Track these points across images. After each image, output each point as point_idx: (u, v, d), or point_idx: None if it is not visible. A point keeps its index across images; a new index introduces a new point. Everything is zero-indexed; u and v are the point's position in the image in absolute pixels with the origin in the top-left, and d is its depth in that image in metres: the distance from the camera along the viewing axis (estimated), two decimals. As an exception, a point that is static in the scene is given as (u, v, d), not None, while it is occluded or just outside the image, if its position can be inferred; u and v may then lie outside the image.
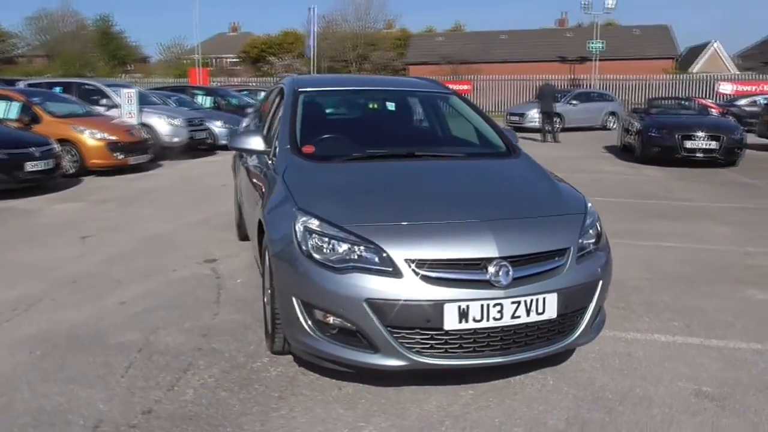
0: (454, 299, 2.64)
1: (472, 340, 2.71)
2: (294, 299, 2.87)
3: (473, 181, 3.44)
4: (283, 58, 43.53)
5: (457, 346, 2.70)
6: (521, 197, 3.24)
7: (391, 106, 4.58)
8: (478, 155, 3.85)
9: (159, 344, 3.55)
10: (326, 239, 2.83)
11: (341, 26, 44.76)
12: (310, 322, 2.83)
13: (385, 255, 2.70)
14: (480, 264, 2.70)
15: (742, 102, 21.65)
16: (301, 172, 3.41)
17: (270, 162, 3.78)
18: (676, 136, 11.72)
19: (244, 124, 6.61)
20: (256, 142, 3.92)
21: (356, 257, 2.74)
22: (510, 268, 2.70)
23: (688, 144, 11.70)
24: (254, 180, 4.15)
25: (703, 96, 25.77)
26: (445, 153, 3.81)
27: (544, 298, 2.74)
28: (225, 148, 14.09)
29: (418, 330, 2.67)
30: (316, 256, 2.81)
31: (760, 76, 29.81)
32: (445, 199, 3.15)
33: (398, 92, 4.73)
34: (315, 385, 3.05)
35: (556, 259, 2.84)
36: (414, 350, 2.69)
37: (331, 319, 2.78)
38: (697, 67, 37.92)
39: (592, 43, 30.67)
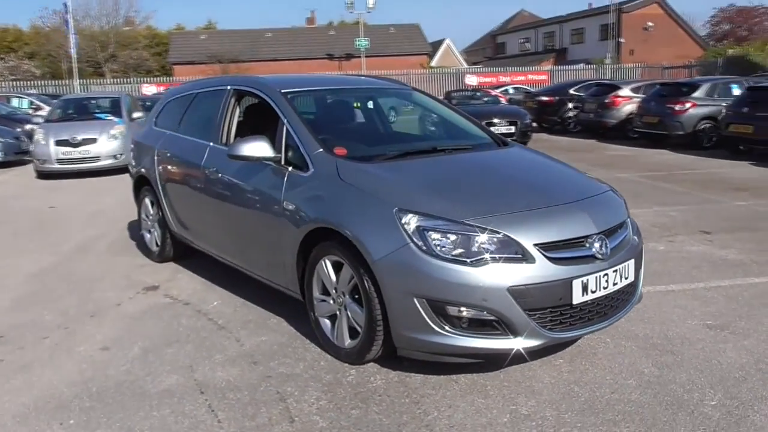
0: (578, 275, 2.90)
1: (587, 311, 3.00)
2: (416, 300, 2.85)
3: (518, 169, 3.70)
4: (6, 59, 37.69)
5: (577, 318, 2.97)
6: (568, 180, 3.58)
7: (381, 103, 4.59)
8: (486, 146, 4.08)
9: (216, 382, 3.16)
10: (448, 235, 2.86)
11: (80, 23, 40.29)
12: (437, 320, 2.84)
13: (515, 243, 2.84)
14: (584, 241, 2.99)
15: (497, 91, 24.97)
16: (360, 174, 3.32)
17: (289, 170, 3.56)
18: (482, 123, 13.22)
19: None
20: (263, 149, 3.64)
21: (489, 249, 2.83)
22: (606, 241, 3.06)
23: (492, 129, 13.28)
24: (253, 194, 3.83)
25: (453, 87, 29.05)
26: (458, 146, 3.98)
27: (627, 265, 3.15)
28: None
29: (550, 309, 2.88)
30: (443, 253, 2.83)
31: (495, 69, 34.64)
32: (517, 186, 3.37)
33: (380, 90, 4.75)
34: (430, 383, 3.05)
35: (623, 229, 3.27)
36: (547, 328, 2.89)
37: (465, 313, 2.83)
38: (434, 62, 42.34)
39: (359, 40, 32.44)
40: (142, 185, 5.45)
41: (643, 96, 14.52)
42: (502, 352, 2.88)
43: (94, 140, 10.86)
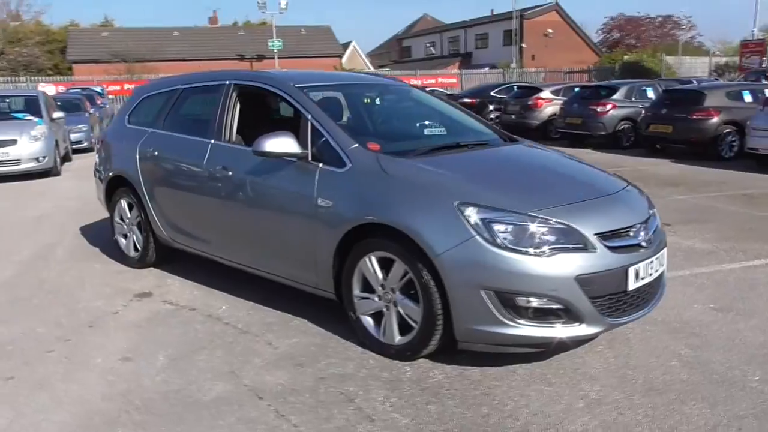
0: (631, 263, 3.03)
1: (636, 297, 3.14)
2: (483, 292, 2.87)
3: (547, 163, 3.79)
4: None
5: (628, 304, 3.10)
6: (597, 174, 3.70)
7: (391, 99, 4.55)
8: (499, 141, 4.14)
9: (269, 386, 3.02)
10: (514, 227, 2.90)
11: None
12: (505, 311, 2.87)
13: (577, 233, 2.93)
14: (629, 230, 3.14)
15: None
16: (407, 169, 3.29)
17: (320, 166, 3.47)
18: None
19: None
20: (289, 145, 3.52)
21: (554, 240, 2.89)
22: (649, 230, 3.22)
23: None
24: (274, 193, 3.69)
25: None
26: (476, 141, 4.02)
27: (663, 253, 3.33)
28: None
29: (608, 296, 2.99)
30: (511, 244, 2.86)
31: (406, 71, 35.19)
32: (558, 179, 3.46)
33: (384, 86, 4.71)
34: (490, 375, 3.07)
35: (653, 219, 3.45)
36: (606, 314, 2.99)
37: (533, 303, 2.88)
38: (342, 63, 42.41)
39: (272, 41, 31.91)
40: (116, 187, 5.08)
41: (564, 98, 15.31)
42: (566, 340, 2.96)
43: (13, 142, 9.98)
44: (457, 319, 2.96)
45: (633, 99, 13.75)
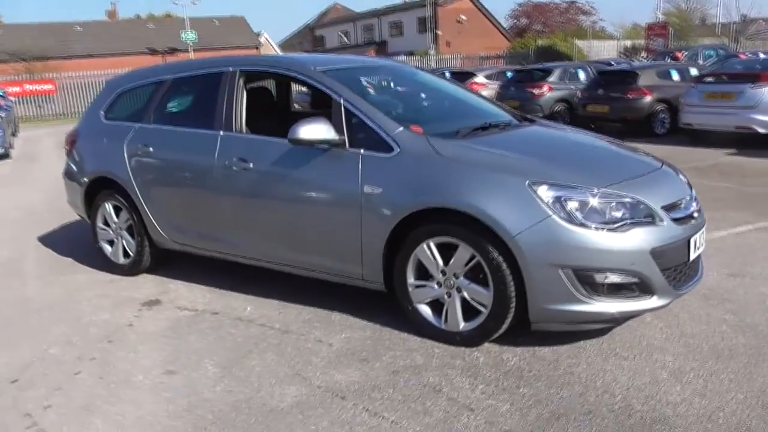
0: (691, 234, 3.10)
1: (690, 268, 3.21)
2: (561, 271, 2.84)
3: (584, 141, 3.78)
4: None
5: (686, 275, 3.17)
6: (632, 151, 3.74)
7: (403, 81, 4.40)
8: (521, 121, 4.11)
9: (344, 385, 2.86)
10: (588, 204, 2.88)
11: None
12: (582, 288, 2.86)
13: (646, 207, 2.95)
14: (681, 202, 3.20)
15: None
16: (464, 150, 3.20)
17: (362, 152, 3.32)
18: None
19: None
20: (324, 131, 3.35)
21: (628, 214, 2.90)
22: (695, 201, 3.30)
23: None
24: (309, 184, 3.49)
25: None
26: (503, 122, 3.96)
27: (705, 228, 3.43)
28: None
29: (675, 267, 3.04)
30: (587, 221, 2.85)
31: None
32: (605, 156, 3.48)
33: (396, 69, 4.56)
34: (563, 354, 3.06)
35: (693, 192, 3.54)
36: (673, 285, 3.04)
37: (610, 279, 2.88)
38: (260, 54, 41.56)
39: (186, 33, 30.64)
40: (97, 189, 4.66)
41: (498, 82, 15.65)
42: (639, 313, 2.99)
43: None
44: (532, 300, 2.91)
45: (566, 81, 14.25)
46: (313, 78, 3.67)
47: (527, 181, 2.92)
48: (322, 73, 3.67)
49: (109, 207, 4.62)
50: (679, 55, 21.68)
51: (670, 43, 26.93)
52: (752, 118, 9.66)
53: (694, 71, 12.51)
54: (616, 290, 2.91)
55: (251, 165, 3.70)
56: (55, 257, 5.30)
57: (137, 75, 4.83)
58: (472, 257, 3.03)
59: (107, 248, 4.73)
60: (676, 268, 3.05)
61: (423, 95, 4.43)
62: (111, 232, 4.67)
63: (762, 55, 14.85)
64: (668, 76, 12.23)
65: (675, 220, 3.03)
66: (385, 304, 3.64)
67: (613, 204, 2.91)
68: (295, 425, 2.55)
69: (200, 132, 4.04)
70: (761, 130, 9.57)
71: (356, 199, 3.29)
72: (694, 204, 3.24)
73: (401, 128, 3.31)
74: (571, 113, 13.51)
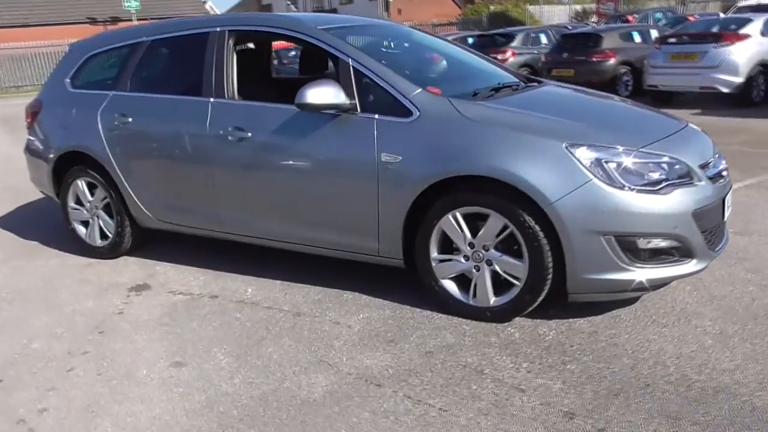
0: (723, 194, 2.98)
1: (721, 229, 3.09)
2: (603, 238, 2.68)
3: (605, 102, 3.57)
4: None
5: (717, 236, 3.05)
6: (652, 111, 3.57)
7: (402, 41, 4.10)
8: (528, 82, 3.89)
9: (376, 370, 2.64)
10: (629, 165, 2.71)
11: None
12: (625, 255, 2.71)
13: (685, 167, 2.80)
14: (711, 161, 3.07)
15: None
16: (492, 112, 2.98)
17: (376, 117, 3.05)
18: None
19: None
20: (334, 94, 3.07)
21: (669, 175, 2.74)
22: (723, 161, 3.18)
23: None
24: (317, 153, 3.20)
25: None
26: (512, 83, 3.73)
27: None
28: None
29: (712, 228, 2.92)
30: (630, 184, 2.68)
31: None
32: (632, 116, 3.30)
33: (392, 28, 4.25)
34: (600, 325, 2.91)
35: None
36: (710, 248, 2.92)
37: (653, 244, 2.73)
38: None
39: (128, 1, 29.07)
40: (67, 165, 4.24)
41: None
42: (679, 278, 2.86)
43: None
44: (571, 271, 2.74)
45: (529, 46, 14.14)
46: (315, 37, 3.35)
47: (564, 144, 2.72)
48: (325, 32, 3.35)
49: (82, 184, 4.21)
50: (630, 18, 21.85)
51: (620, 7, 27.16)
52: (715, 77, 9.75)
53: (654, 33, 12.57)
54: (656, 256, 2.77)
55: (249, 134, 3.37)
56: (18, 241, 4.85)
57: (108, 38, 4.37)
58: (504, 228, 2.83)
59: (81, 230, 4.32)
60: (713, 229, 2.93)
61: (427, 56, 4.15)
62: (85, 211, 4.27)
63: (722, 15, 15.04)
64: (630, 38, 12.26)
65: (711, 179, 2.90)
66: (398, 280, 3.43)
67: (653, 165, 2.75)
68: (333, 419, 2.32)
69: (187, 99, 3.68)
70: (724, 90, 9.69)
71: (372, 169, 3.03)
72: (722, 162, 3.11)
73: (419, 90, 3.06)
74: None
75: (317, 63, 4.31)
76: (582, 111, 3.25)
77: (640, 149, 2.76)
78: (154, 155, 3.80)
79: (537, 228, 2.74)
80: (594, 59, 11.71)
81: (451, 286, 3.05)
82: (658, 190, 2.70)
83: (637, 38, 12.35)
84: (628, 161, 2.71)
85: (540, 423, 2.22)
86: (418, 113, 2.99)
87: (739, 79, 9.66)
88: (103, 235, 4.24)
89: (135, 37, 4.07)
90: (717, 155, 3.12)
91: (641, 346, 2.70)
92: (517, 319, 2.98)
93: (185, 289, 3.66)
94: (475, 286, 2.98)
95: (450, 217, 2.93)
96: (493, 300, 2.95)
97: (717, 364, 2.52)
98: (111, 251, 4.23)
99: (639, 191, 2.67)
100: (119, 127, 3.89)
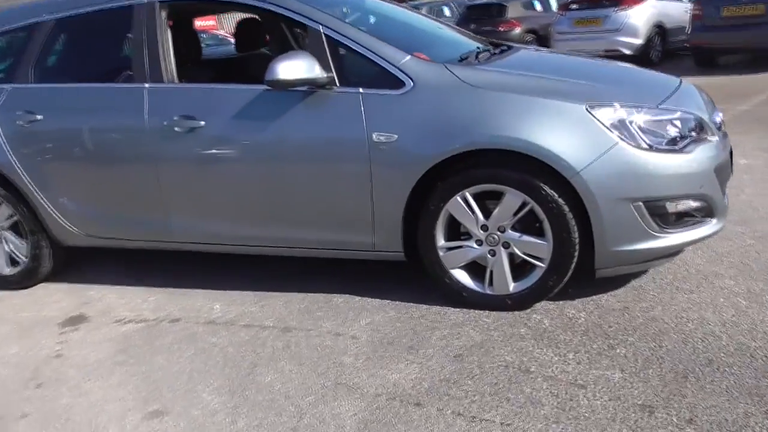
0: (730, 147, 2.84)
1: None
2: (632, 205, 2.43)
3: (596, 62, 3.31)
4: None
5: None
6: (642, 68, 3.36)
7: (359, 7, 3.62)
8: (502, 47, 3.57)
9: (406, 386, 2.26)
10: (652, 124, 2.47)
11: None
12: (654, 222, 2.48)
13: (701, 122, 2.60)
14: (713, 114, 2.92)
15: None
16: (497, 76, 2.64)
17: (361, 91, 2.63)
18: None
19: None
20: (309, 67, 2.61)
21: (689, 132, 2.53)
22: (720, 113, 3.04)
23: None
24: (293, 139, 2.72)
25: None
26: (488, 49, 3.38)
27: None
28: None
29: (724, 183, 2.76)
30: (656, 144, 2.45)
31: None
32: (629, 75, 3.04)
33: None
34: (631, 299, 2.69)
35: None
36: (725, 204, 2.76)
37: (681, 206, 2.53)
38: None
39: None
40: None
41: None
42: (704, 239, 2.67)
43: None
44: (600, 244, 2.48)
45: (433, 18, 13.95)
46: (277, 3, 2.83)
47: (585, 105, 2.44)
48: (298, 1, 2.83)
49: (-22, 203, 3.44)
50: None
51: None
52: (618, 40, 10.06)
53: (553, 1, 12.81)
54: (681, 219, 2.56)
55: (202, 123, 2.83)
56: None
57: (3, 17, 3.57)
58: (523, 205, 2.51)
59: (-16, 258, 3.55)
60: (724, 184, 2.77)
61: (389, 23, 3.72)
62: (-14, 236, 3.51)
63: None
64: (532, 6, 12.42)
65: (720, 133, 2.73)
66: (390, 275, 3.05)
67: (673, 122, 2.53)
68: (385, 453, 1.92)
69: (114, 87, 3.06)
70: (627, 51, 10.00)
71: (363, 152, 2.61)
72: (719, 113, 2.97)
73: (408, 57, 2.66)
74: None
75: (256, 38, 3.78)
76: (583, 71, 2.98)
77: (660, 106, 2.53)
78: (77, 159, 3.14)
79: (561, 201, 2.45)
80: (501, 29, 11.74)
81: (463, 276, 2.71)
82: (682, 148, 2.49)
83: (538, 6, 12.52)
84: (651, 120, 2.48)
85: (621, 423, 1.94)
86: (411, 83, 2.59)
87: (639, 41, 10.00)
88: (13, 262, 3.51)
89: (32, 17, 3.34)
90: (714, 107, 2.97)
91: (681, 318, 2.49)
92: (539, 305, 2.70)
93: (135, 315, 3.06)
94: (491, 272, 2.65)
95: (459, 198, 2.57)
96: (512, 286, 2.64)
97: (766, 327, 2.37)
98: (25, 279, 3.51)
99: (665, 151, 2.45)
100: (25, 127, 3.18)
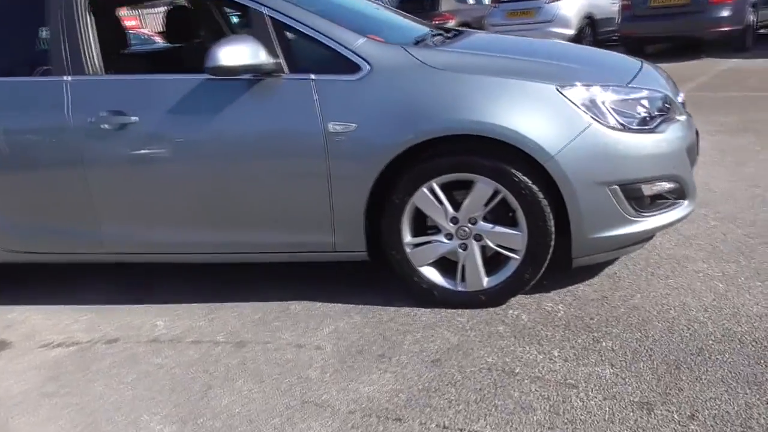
0: (695, 127, 2.77)
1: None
2: (608, 189, 2.30)
3: (554, 43, 3.21)
4: None
5: (690, 172, 2.84)
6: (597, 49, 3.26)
7: None
8: (461, 31, 3.40)
9: (382, 399, 2.04)
10: (625, 103, 2.35)
11: None
12: (630, 206, 2.36)
13: (669, 100, 2.51)
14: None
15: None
16: (458, 58, 2.47)
17: (312, 77, 2.40)
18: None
19: None
20: (254, 52, 2.36)
21: (659, 112, 2.42)
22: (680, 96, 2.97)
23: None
24: (235, 133, 2.46)
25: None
26: (438, 33, 3.21)
27: None
28: None
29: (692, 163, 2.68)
30: (630, 125, 2.33)
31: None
32: (591, 55, 2.93)
33: None
34: (608, 288, 2.57)
35: None
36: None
37: (655, 188, 2.42)
38: None
39: None
40: None
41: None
42: (677, 222, 2.58)
43: None
44: (577, 232, 2.34)
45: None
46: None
47: (554, 85, 2.29)
48: None
49: None
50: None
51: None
52: (552, 31, 10.17)
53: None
54: (654, 202, 2.46)
55: (135, 119, 2.51)
56: None
57: None
58: (495, 193, 2.34)
59: None
60: (693, 165, 2.70)
61: (331, 7, 3.47)
62: None
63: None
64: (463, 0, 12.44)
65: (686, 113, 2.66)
66: (350, 276, 2.84)
67: (642, 101, 2.42)
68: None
69: (29, 81, 2.70)
70: (561, 43, 10.12)
71: (318, 143, 2.38)
72: (682, 95, 2.91)
73: (363, 39, 2.44)
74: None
75: (188, 27, 3.47)
76: (545, 52, 2.84)
77: (629, 85, 2.42)
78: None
79: (535, 189, 2.29)
80: (434, 22, 11.62)
81: (432, 274, 2.52)
82: (654, 128, 2.38)
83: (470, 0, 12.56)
84: (621, 99, 2.36)
85: (621, 424, 1.79)
86: (368, 67, 2.37)
87: (571, 31, 10.16)
88: None
89: None
90: (676, 87, 2.90)
91: (662, 305, 2.39)
92: (512, 299, 2.54)
93: (65, 338, 2.72)
94: (463, 268, 2.47)
95: (425, 190, 2.38)
96: (486, 281, 2.47)
97: (748, 310, 2.29)
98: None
99: (638, 131, 2.34)
100: None
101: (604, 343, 2.18)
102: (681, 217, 2.54)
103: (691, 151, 2.57)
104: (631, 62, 2.84)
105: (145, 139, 2.52)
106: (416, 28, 3.22)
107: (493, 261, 2.48)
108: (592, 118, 2.27)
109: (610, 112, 2.30)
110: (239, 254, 2.68)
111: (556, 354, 2.16)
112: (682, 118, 2.54)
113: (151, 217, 2.65)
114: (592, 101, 2.29)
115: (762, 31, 10.18)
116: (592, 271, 2.69)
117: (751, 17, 9.15)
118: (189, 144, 2.50)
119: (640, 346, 2.14)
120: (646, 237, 2.53)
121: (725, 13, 8.76)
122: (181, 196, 2.58)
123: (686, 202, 2.55)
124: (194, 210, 2.59)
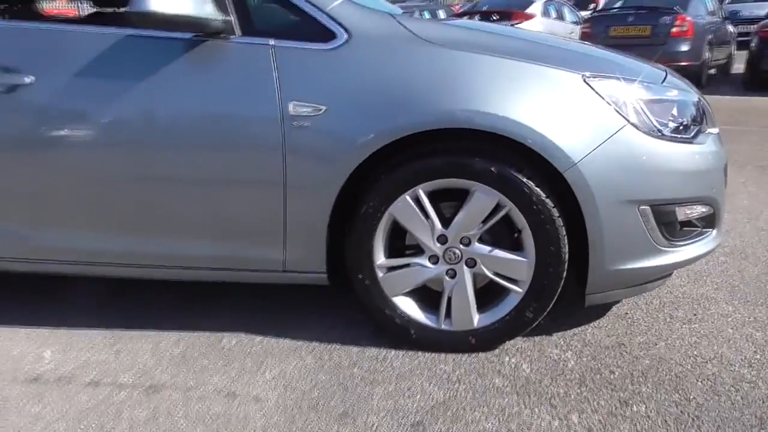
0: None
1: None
2: (638, 210, 1.84)
3: (545, 36, 2.76)
4: None
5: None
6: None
7: None
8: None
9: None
10: (662, 105, 1.91)
11: None
12: (661, 232, 1.90)
13: (703, 107, 2.09)
14: None
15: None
16: (453, 33, 2.02)
17: (272, 43, 1.85)
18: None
19: None
20: (199, 3, 1.79)
21: (693, 120, 1.98)
22: None
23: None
24: (172, 112, 1.87)
25: None
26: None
27: None
28: None
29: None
30: (668, 131, 1.88)
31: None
32: (596, 49, 2.49)
33: None
34: (622, 333, 2.09)
35: None
36: (720, 212, 2.26)
37: (689, 213, 1.98)
38: None
39: None
40: None
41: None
42: (704, 256, 2.14)
43: None
44: (597, 261, 1.86)
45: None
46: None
47: (581, 75, 1.81)
48: None
49: None
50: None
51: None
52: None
53: (441, 13, 12.68)
54: (686, 228, 2.01)
55: (29, 79, 1.88)
56: None
57: None
58: (497, 207, 1.84)
59: None
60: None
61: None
62: None
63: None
64: (435, 16, 12.21)
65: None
66: (296, 302, 2.27)
67: (678, 104, 1.98)
68: None
69: None
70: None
71: (273, 129, 1.82)
72: None
73: (340, 0, 1.90)
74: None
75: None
76: (557, 43, 2.37)
77: (662, 84, 1.98)
78: None
79: (549, 204, 1.80)
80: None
81: (409, 306, 1.98)
82: (692, 138, 1.94)
83: (427, 16, 12.30)
84: (657, 99, 1.91)
85: None
86: (345, 35, 1.84)
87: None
88: None
89: None
90: None
91: (694, 357, 1.93)
92: (507, 342, 2.03)
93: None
94: (449, 300, 1.94)
95: (408, 198, 1.85)
96: (477, 319, 1.95)
97: (799, 366, 1.85)
98: None
99: (676, 140, 1.89)
100: None
101: (635, 408, 1.69)
102: (710, 250, 2.10)
103: (726, 172, 2.15)
104: (655, 65, 2.42)
105: (41, 109, 1.90)
106: (394, 7, 2.71)
107: (485, 293, 1.97)
108: (626, 118, 1.80)
109: (645, 113, 1.84)
110: (159, 268, 2.06)
111: (575, 420, 1.64)
112: (715, 130, 2.11)
113: (42, 215, 2.00)
114: (627, 99, 1.83)
115: (712, 71, 10.25)
116: (598, 310, 2.21)
117: (707, 54, 9.17)
118: (99, 120, 1.88)
119: (682, 412, 1.66)
120: (669, 273, 2.08)
121: (684, 48, 8.73)
122: (90, 191, 1.95)
123: (714, 232, 2.12)
124: (100, 208, 1.97)
